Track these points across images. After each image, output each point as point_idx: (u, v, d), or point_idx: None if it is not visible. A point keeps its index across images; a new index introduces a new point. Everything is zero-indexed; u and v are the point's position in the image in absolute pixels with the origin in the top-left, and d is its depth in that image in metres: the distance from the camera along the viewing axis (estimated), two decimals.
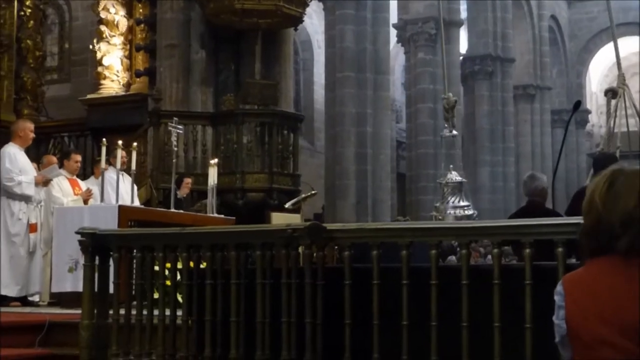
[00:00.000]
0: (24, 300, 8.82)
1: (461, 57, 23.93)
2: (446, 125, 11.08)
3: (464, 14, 24.35)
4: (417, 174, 21.65)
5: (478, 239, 4.57)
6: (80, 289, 7.34)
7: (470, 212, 9.93)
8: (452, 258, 13.57)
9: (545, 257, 4.02)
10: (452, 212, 9.71)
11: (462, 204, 9.96)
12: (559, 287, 2.34)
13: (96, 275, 4.75)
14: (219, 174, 9.79)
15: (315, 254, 4.26)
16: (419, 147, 21.46)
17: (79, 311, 5.87)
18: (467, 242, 4.07)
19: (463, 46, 24.76)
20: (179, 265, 4.65)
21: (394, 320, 4.07)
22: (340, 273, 4.24)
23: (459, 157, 22.54)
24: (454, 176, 10.22)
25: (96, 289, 4.80)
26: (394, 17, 21.25)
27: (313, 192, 11.40)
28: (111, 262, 4.82)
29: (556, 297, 2.33)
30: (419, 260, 4.51)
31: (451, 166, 10.44)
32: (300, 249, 4.25)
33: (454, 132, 11.19)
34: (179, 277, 4.78)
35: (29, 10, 14.02)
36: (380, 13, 18.59)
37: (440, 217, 10.02)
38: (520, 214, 7.02)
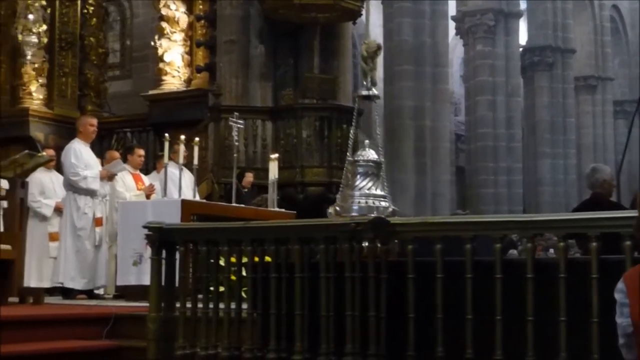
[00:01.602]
0: (90, 293, 8.98)
1: (521, 49, 23.68)
2: (364, 82, 7.63)
3: (523, 5, 24.09)
4: (476, 167, 21.51)
5: (542, 233, 4.52)
6: (144, 282, 7.51)
7: (386, 204, 6.90)
8: (513, 252, 13.45)
9: (609, 251, 3.99)
10: (359, 201, 6.77)
11: (376, 192, 6.91)
12: (620, 285, 2.27)
13: (163, 268, 4.83)
14: (279, 168, 9.84)
15: (378, 248, 4.27)
16: (478, 139, 21.32)
17: (144, 304, 5.98)
18: (531, 235, 4.05)
19: (522, 37, 24.49)
20: (244, 259, 4.70)
21: (458, 314, 4.08)
22: (403, 267, 4.25)
23: (519, 149, 22.38)
24: (369, 154, 7.07)
25: (163, 282, 4.88)
26: (452, 10, 21.11)
27: None
28: (177, 256, 4.89)
29: (618, 295, 2.25)
30: (479, 254, 4.50)
31: (366, 141, 7.41)
32: (363, 243, 4.28)
33: (374, 91, 7.59)
34: (243, 270, 4.83)
35: (92, 8, 14.27)
36: (438, 5, 18.48)
37: (337, 210, 6.89)
38: (584, 207, 6.93)
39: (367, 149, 7.04)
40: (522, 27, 23.98)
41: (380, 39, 21.27)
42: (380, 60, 22.08)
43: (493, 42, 21.47)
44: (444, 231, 4.20)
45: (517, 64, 22.50)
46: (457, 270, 4.11)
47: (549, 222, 4.18)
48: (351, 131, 9.16)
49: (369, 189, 6.82)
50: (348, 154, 7.35)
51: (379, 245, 4.24)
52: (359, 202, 6.69)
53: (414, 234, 4.28)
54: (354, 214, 6.41)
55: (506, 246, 13.03)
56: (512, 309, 3.96)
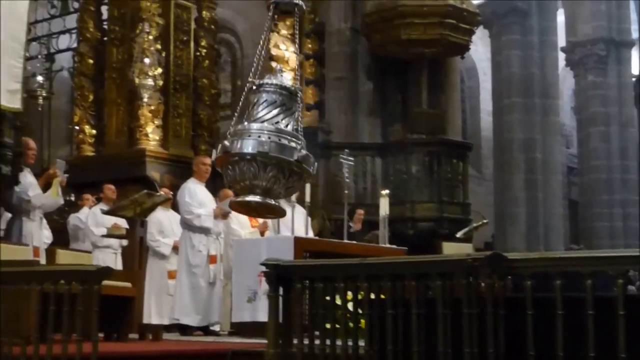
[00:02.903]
0: (205, 330, 9.14)
1: (634, 79, 23.12)
2: None
3: (635, 34, 23.56)
4: (589, 200, 21.01)
5: None
6: (258, 318, 7.61)
7: (296, 146, 4.80)
8: (632, 288, 13.06)
9: None
10: (246, 135, 4.77)
11: (279, 124, 4.84)
12: None
13: (280, 305, 4.89)
14: (389, 204, 9.85)
15: (495, 284, 4.24)
16: (592, 172, 20.82)
17: (259, 340, 6.06)
18: None
19: (635, 66, 23.93)
20: (359, 296, 4.72)
21: (579, 351, 3.99)
22: (521, 303, 4.20)
23: (635, 181, 21.78)
24: (282, 79, 5.00)
25: (280, 319, 4.93)
26: (561, 41, 20.82)
27: (484, 220, 11.29)
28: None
29: None
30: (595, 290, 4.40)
31: (278, 66, 5.35)
32: (480, 279, 4.25)
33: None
34: (358, 307, 4.85)
35: (204, 51, 14.67)
36: (547, 37, 18.27)
37: (224, 146, 4.79)
38: None
39: (280, 72, 5.11)
40: (634, 55, 23.44)
41: (488, 72, 21.14)
42: (487, 93, 21.91)
43: (605, 72, 21.02)
44: (563, 266, 4.13)
45: (630, 93, 21.95)
46: (577, 306, 4.03)
47: None
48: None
49: (266, 120, 4.87)
50: (250, 78, 5.11)
51: (496, 280, 4.20)
52: (258, 137, 4.76)
53: (533, 269, 4.22)
54: (242, 149, 4.74)
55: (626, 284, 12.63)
56: (634, 347, 3.86)
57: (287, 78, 5.06)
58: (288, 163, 4.79)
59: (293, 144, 4.82)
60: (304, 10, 5.40)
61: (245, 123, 4.86)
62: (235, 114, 5.04)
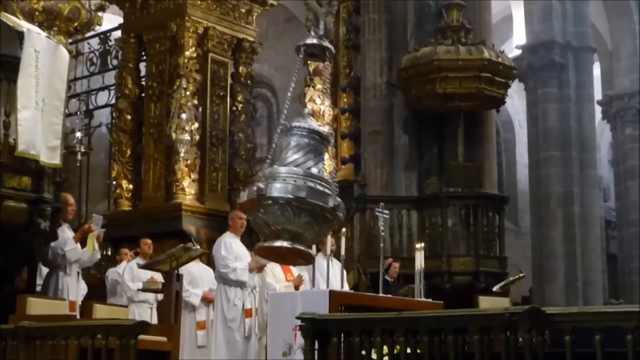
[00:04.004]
0: None
1: None
2: (314, 29, 5.40)
3: None
4: (629, 254, 20.72)
5: None
6: None
7: (325, 190, 4.75)
8: None
9: None
10: (281, 179, 4.74)
11: (311, 169, 4.82)
12: None
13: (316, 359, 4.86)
14: (425, 258, 9.79)
15: (534, 338, 4.18)
16: (630, 226, 20.58)
17: None
18: None
19: None
20: (396, 350, 4.68)
21: None
22: (562, 358, 4.14)
23: None
24: (310, 122, 5.08)
25: None
26: (597, 94, 20.77)
27: (521, 274, 11.16)
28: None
29: None
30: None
31: (306, 110, 5.54)
32: (519, 334, 4.20)
33: (326, 42, 5.34)
34: None
35: (240, 105, 14.81)
36: (584, 90, 18.19)
37: (254, 190, 4.80)
38: None
39: (307, 116, 5.18)
40: None
41: (524, 126, 21.10)
42: (523, 146, 21.84)
43: None
44: (603, 321, 4.08)
45: None
46: None
47: None
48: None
49: (299, 165, 4.85)
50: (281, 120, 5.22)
51: (534, 335, 4.15)
52: (294, 182, 4.70)
53: (573, 324, 4.17)
54: (275, 193, 4.66)
55: None
56: None
57: (314, 122, 5.13)
58: (322, 209, 4.76)
59: (328, 191, 4.80)
60: (333, 53, 5.46)
61: (278, 166, 4.83)
62: (268, 157, 5.03)
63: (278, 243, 4.80)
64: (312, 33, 5.28)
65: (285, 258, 5.22)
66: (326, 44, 5.27)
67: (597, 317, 4.12)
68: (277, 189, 4.70)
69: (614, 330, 4.09)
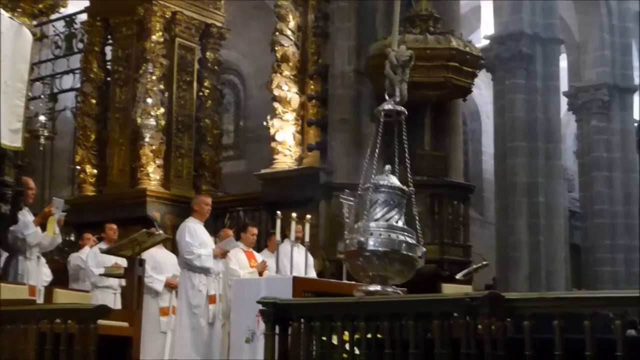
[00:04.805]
0: None
1: (636, 124, 23.16)
2: (387, 97, 6.49)
3: (637, 80, 23.65)
4: (592, 244, 20.92)
5: None
6: (257, 358, 7.53)
7: (411, 240, 5.69)
8: (632, 332, 12.95)
9: None
10: (377, 233, 5.59)
11: (397, 224, 5.74)
12: None
13: (276, 344, 4.84)
14: None
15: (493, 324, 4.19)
16: (595, 217, 20.77)
17: None
18: None
19: (637, 112, 23.97)
20: (357, 335, 4.68)
21: None
22: (520, 343, 4.15)
23: (637, 227, 21.70)
24: (391, 180, 6.09)
25: (276, 358, 4.89)
26: (564, 85, 20.90)
27: (485, 262, 11.23)
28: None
29: None
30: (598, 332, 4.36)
31: (387, 167, 6.37)
32: (479, 319, 4.20)
33: (401, 107, 6.47)
34: (355, 347, 4.80)
35: (207, 91, 14.74)
36: (551, 81, 18.26)
37: (348, 245, 5.72)
38: None
39: (389, 174, 6.20)
40: (637, 101, 23.48)
41: (491, 116, 21.19)
42: (490, 137, 21.96)
43: (608, 117, 21.05)
44: (562, 307, 4.10)
45: (633, 139, 21.96)
46: (576, 347, 3.99)
47: None
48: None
49: (389, 219, 5.79)
50: (361, 181, 6.31)
51: (494, 321, 4.16)
52: (388, 236, 5.63)
53: (533, 309, 4.18)
54: (371, 247, 5.51)
55: (626, 325, 12.52)
56: None
57: (395, 179, 6.17)
58: (412, 259, 5.66)
59: (414, 241, 5.79)
60: (406, 115, 6.50)
61: (369, 221, 5.78)
62: (365, 213, 5.94)
63: (373, 287, 5.53)
64: (387, 97, 6.47)
65: None
66: (401, 108, 6.46)
67: (555, 303, 4.14)
68: (375, 243, 5.61)
69: (573, 316, 4.12)
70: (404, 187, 6.13)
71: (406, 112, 6.47)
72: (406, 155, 6.12)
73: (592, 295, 4.30)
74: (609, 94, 20.90)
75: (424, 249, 5.81)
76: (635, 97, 22.48)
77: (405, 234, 5.76)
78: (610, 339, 3.94)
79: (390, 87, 6.51)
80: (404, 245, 5.63)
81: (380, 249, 5.58)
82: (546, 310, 4.15)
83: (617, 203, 20.95)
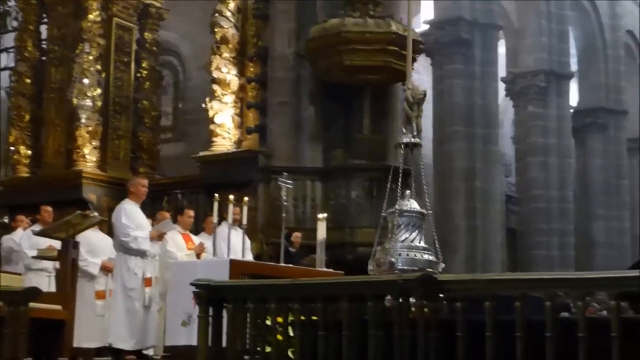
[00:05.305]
0: (139, 354, 8.97)
1: (572, 110, 23.52)
2: (404, 130, 7.26)
3: (574, 67, 24.00)
4: (528, 229, 21.24)
5: (595, 292, 4.42)
6: (193, 342, 7.48)
7: (431, 257, 6.67)
8: (565, 314, 13.19)
9: None
10: (402, 253, 6.54)
11: (419, 244, 6.70)
12: None
13: (210, 326, 4.82)
14: (329, 229, 9.82)
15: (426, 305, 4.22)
16: (530, 201, 21.08)
17: None
18: (583, 294, 3.96)
19: (574, 99, 24.35)
20: (291, 317, 4.67)
21: None
22: (453, 325, 4.19)
23: (572, 211, 22.11)
24: (412, 205, 6.90)
25: (210, 341, 4.86)
26: (502, 71, 21.12)
27: None
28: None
29: None
30: (531, 314, 4.42)
31: (408, 192, 7.16)
32: (412, 300, 4.23)
33: (417, 139, 7.24)
34: (291, 329, 4.80)
35: (146, 72, 14.57)
36: (489, 67, 18.46)
37: (381, 263, 6.74)
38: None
39: (409, 199, 6.94)
40: (574, 88, 23.84)
41: (430, 101, 21.32)
42: (429, 121, 22.14)
43: (544, 103, 21.34)
44: (494, 288, 4.14)
45: (569, 125, 22.32)
46: (508, 328, 4.03)
47: (602, 279, 4.08)
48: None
49: (412, 240, 6.69)
50: (384, 206, 7.21)
51: (427, 302, 4.19)
52: (404, 255, 6.59)
53: (465, 291, 4.22)
54: (399, 266, 6.35)
55: (559, 309, 12.75)
56: None
57: (414, 203, 6.89)
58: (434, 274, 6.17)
59: (435, 258, 6.73)
60: (421, 146, 7.23)
61: (395, 243, 6.67)
62: (391, 236, 6.88)
63: None
64: (406, 130, 7.16)
65: None
66: (417, 140, 7.16)
67: (487, 285, 4.18)
68: (404, 262, 6.47)
69: (508, 298, 4.16)
70: (423, 211, 6.95)
71: (422, 145, 7.34)
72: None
73: (523, 277, 4.35)
74: (545, 80, 21.18)
75: (443, 265, 6.80)
76: (572, 83, 22.83)
77: (426, 252, 6.69)
78: (541, 321, 3.99)
79: (407, 122, 7.24)
80: (427, 263, 6.55)
81: (405, 267, 6.38)
82: (478, 292, 4.19)
83: (553, 187, 21.29)
